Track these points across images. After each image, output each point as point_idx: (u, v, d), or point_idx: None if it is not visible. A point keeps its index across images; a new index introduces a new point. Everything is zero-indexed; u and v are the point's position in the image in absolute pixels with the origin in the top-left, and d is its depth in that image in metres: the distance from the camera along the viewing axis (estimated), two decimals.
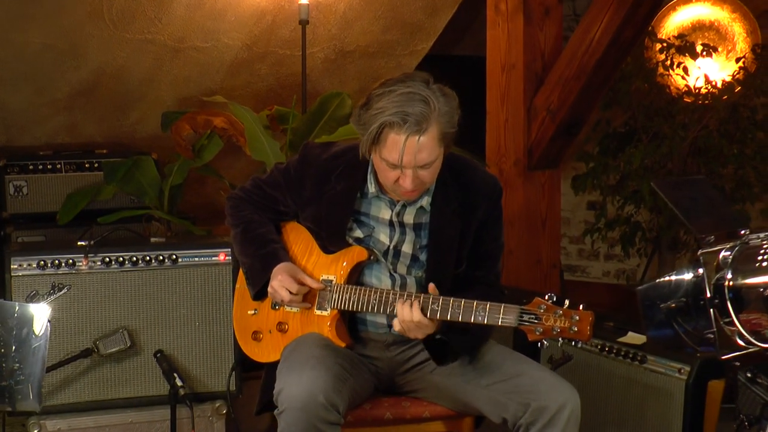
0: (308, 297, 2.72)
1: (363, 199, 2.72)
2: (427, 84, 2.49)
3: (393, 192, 2.63)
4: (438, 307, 2.50)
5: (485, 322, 2.47)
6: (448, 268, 2.70)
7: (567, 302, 2.41)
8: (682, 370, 3.17)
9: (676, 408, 3.16)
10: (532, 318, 2.41)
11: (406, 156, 2.47)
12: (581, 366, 3.38)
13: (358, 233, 2.72)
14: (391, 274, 2.72)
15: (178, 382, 3.41)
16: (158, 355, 3.48)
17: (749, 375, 2.75)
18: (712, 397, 3.15)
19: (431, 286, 2.56)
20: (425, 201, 2.68)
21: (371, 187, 2.69)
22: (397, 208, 2.69)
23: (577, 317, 2.38)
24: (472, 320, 2.48)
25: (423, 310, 2.52)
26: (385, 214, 2.70)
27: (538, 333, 2.41)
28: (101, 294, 3.47)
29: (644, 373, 3.27)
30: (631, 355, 3.32)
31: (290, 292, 2.67)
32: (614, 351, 3.36)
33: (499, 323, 2.46)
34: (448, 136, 2.51)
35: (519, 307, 2.44)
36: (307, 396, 2.43)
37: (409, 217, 2.70)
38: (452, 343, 2.63)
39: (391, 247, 2.71)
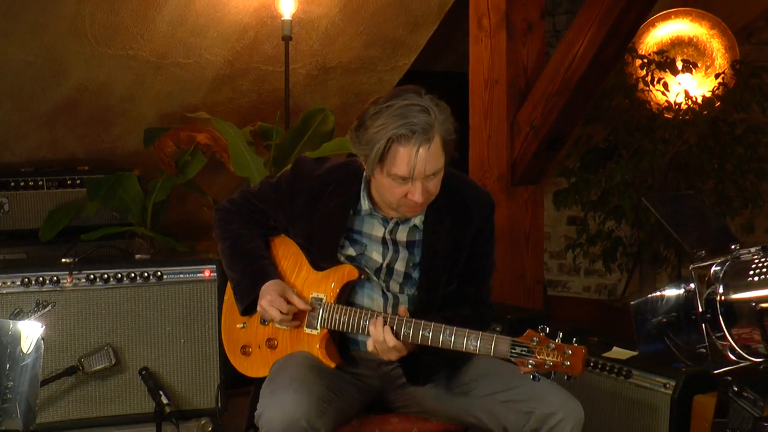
0: (298, 314, 2.71)
1: (356, 217, 2.70)
2: (420, 95, 2.49)
3: (398, 209, 2.60)
4: (429, 333, 2.50)
5: (477, 351, 2.47)
6: (440, 286, 2.69)
7: (560, 335, 2.41)
8: (668, 385, 3.18)
9: (662, 422, 3.18)
10: (524, 350, 2.41)
11: (419, 166, 2.46)
12: (566, 381, 3.39)
13: (351, 251, 2.70)
14: (384, 292, 2.70)
15: (164, 400, 3.40)
16: (143, 372, 3.46)
17: (736, 389, 2.77)
18: (698, 411, 3.16)
19: (402, 308, 2.57)
20: (418, 219, 2.67)
21: (365, 205, 2.67)
22: (390, 225, 2.67)
23: (570, 352, 2.38)
24: (463, 349, 2.47)
25: (407, 336, 2.52)
26: (378, 231, 2.69)
27: (530, 366, 2.40)
28: (86, 311, 3.45)
29: (630, 387, 3.28)
30: (616, 370, 3.34)
31: (280, 312, 2.65)
32: (599, 366, 3.37)
33: (491, 354, 2.45)
34: (448, 143, 2.51)
35: (511, 338, 2.43)
36: (288, 420, 2.41)
37: (402, 235, 2.69)
38: (427, 362, 2.63)
39: (384, 265, 2.70)
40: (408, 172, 2.46)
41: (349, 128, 2.57)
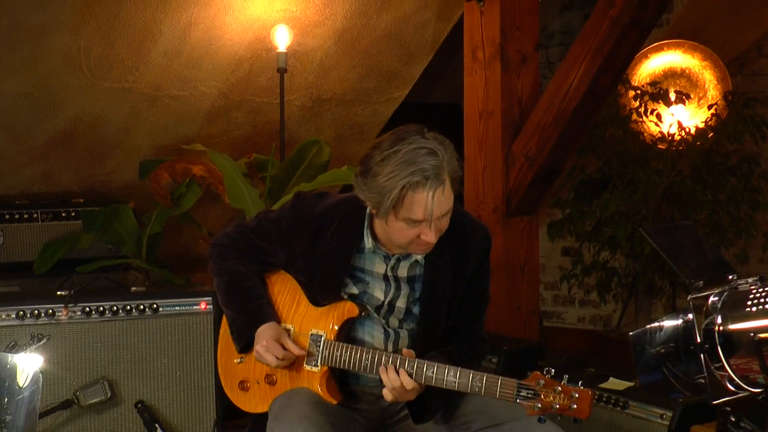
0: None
1: (359, 255, 2.67)
2: (424, 135, 2.46)
3: (407, 248, 2.58)
4: (433, 373, 2.48)
5: (482, 393, 2.46)
6: (440, 321, 2.68)
7: (566, 377, 2.40)
8: (665, 416, 3.18)
9: None
10: (531, 393, 2.40)
11: (436, 210, 2.44)
12: None
13: (354, 290, 2.68)
14: (384, 329, 2.69)
15: None
16: (139, 405, 3.45)
17: (734, 419, 2.76)
18: None
19: (405, 351, 2.55)
20: (419, 255, 2.66)
21: (368, 243, 2.65)
22: (392, 262, 2.66)
23: (577, 395, 2.36)
24: (468, 390, 2.47)
25: (411, 375, 2.50)
26: (380, 268, 2.67)
27: (537, 409, 2.39)
28: (81, 344, 3.44)
29: (627, 418, 3.27)
30: (613, 401, 3.33)
31: (276, 358, 2.64)
32: (596, 397, 3.36)
33: (497, 396, 2.44)
34: (456, 181, 2.50)
35: (517, 381, 2.42)
36: None
37: (403, 271, 2.67)
38: (431, 400, 2.61)
39: (386, 303, 2.68)
40: (425, 216, 2.44)
41: (354, 173, 2.53)
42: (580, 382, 2.39)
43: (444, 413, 2.67)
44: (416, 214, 2.45)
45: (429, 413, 2.64)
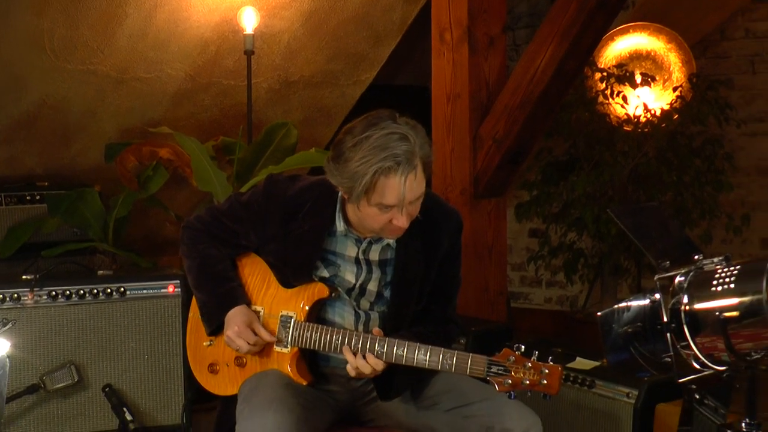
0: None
1: (330, 238, 2.68)
2: (395, 120, 2.46)
3: (380, 233, 2.59)
4: (404, 352, 2.50)
5: (453, 371, 2.48)
6: (411, 304, 2.69)
7: (536, 353, 2.43)
8: (630, 394, 3.22)
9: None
10: (501, 369, 2.42)
11: (407, 195, 2.45)
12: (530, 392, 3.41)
13: (325, 273, 2.68)
14: (355, 311, 2.70)
15: (128, 417, 3.37)
16: (107, 389, 3.44)
17: (698, 397, 2.80)
18: (660, 420, 3.20)
19: (375, 329, 2.56)
20: (391, 239, 2.66)
21: (339, 226, 2.65)
22: (363, 245, 2.66)
23: (547, 371, 2.39)
24: (438, 367, 2.48)
25: (382, 355, 2.52)
26: (352, 251, 2.68)
27: (507, 385, 2.42)
28: (47, 328, 3.42)
29: (593, 397, 3.31)
30: (580, 380, 3.36)
31: (247, 343, 2.64)
32: (563, 376, 3.39)
33: (467, 373, 2.46)
34: (428, 165, 2.51)
35: (487, 358, 2.44)
36: None
37: (374, 254, 2.68)
38: (398, 378, 2.63)
39: (357, 286, 2.69)
40: (397, 201, 2.45)
41: (326, 158, 2.53)
42: (549, 358, 2.42)
43: (413, 392, 2.69)
44: (388, 200, 2.45)
45: (396, 391, 2.65)
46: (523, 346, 2.43)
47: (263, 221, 2.70)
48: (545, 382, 2.40)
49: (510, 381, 2.41)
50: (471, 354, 2.46)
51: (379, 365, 2.52)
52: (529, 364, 2.41)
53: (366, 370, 2.53)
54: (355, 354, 2.54)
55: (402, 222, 2.50)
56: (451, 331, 2.79)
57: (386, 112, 2.49)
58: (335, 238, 2.68)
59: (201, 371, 2.80)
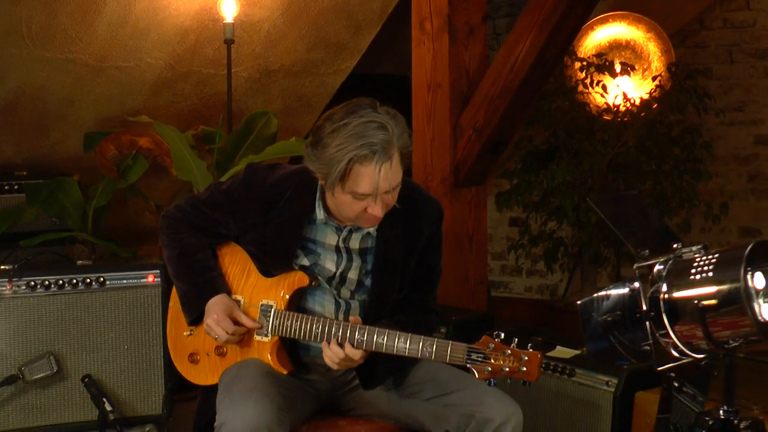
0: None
1: (311, 226, 2.68)
2: (376, 109, 2.46)
3: (356, 221, 2.59)
4: (383, 340, 2.50)
5: (432, 358, 2.48)
6: (392, 293, 2.70)
7: (516, 340, 2.43)
8: (610, 383, 3.24)
9: (605, 420, 3.24)
10: (480, 356, 2.43)
11: (381, 184, 2.44)
12: (510, 380, 3.42)
13: (305, 261, 2.68)
14: (336, 300, 2.70)
15: (108, 407, 3.36)
16: (86, 379, 3.43)
17: (677, 385, 2.82)
18: (640, 407, 3.22)
19: (353, 318, 2.56)
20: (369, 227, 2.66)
21: (319, 214, 2.65)
22: (344, 233, 2.67)
23: (526, 357, 2.40)
24: (418, 355, 2.49)
25: (362, 343, 2.52)
26: (332, 240, 2.68)
27: (486, 372, 2.42)
28: (26, 319, 3.40)
29: (573, 386, 3.33)
30: (559, 369, 3.38)
31: (227, 332, 2.63)
32: (543, 365, 3.41)
33: (447, 360, 2.47)
34: (406, 156, 2.51)
35: (467, 345, 2.45)
36: (251, 430, 2.39)
37: (355, 243, 2.68)
38: (380, 366, 2.63)
39: (338, 274, 2.69)
40: (371, 190, 2.46)
41: (305, 143, 2.53)
42: (529, 345, 2.42)
43: (395, 381, 2.70)
44: (362, 188, 2.45)
45: (378, 380, 2.66)
46: (502, 334, 2.44)
47: (243, 210, 2.69)
48: (525, 369, 2.41)
49: (490, 368, 2.42)
50: (450, 342, 2.47)
51: (357, 354, 2.52)
52: (509, 352, 2.41)
53: (339, 357, 2.52)
54: (329, 343, 2.54)
55: (377, 211, 2.51)
56: (431, 321, 2.80)
57: (367, 101, 2.49)
58: (315, 226, 2.68)
59: (181, 361, 2.80)
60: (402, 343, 2.50)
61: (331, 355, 2.53)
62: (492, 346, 2.43)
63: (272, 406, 2.44)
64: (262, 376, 2.56)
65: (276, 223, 2.66)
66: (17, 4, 4.22)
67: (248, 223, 2.70)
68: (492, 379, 2.43)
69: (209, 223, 2.77)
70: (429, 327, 2.77)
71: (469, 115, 4.34)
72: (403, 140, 2.48)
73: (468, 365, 2.45)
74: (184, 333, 2.78)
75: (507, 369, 2.41)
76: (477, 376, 2.43)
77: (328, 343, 2.54)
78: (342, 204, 2.54)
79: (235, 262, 2.77)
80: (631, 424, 3.24)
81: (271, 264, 2.69)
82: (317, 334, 2.58)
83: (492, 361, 2.42)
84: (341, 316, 2.69)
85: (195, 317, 2.72)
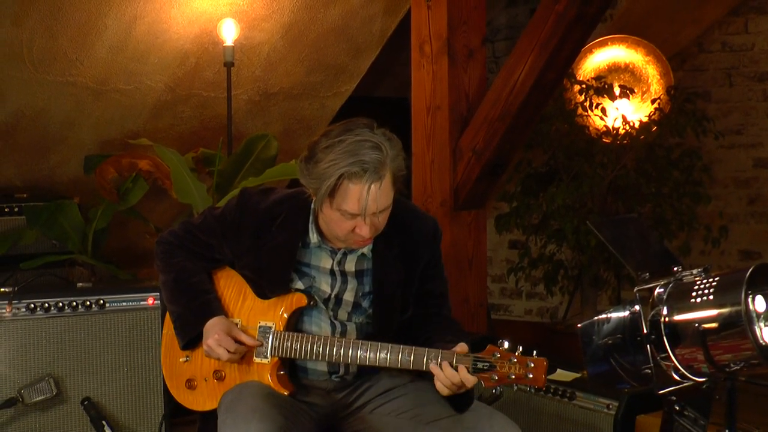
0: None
1: (304, 249, 2.67)
2: (372, 129, 2.46)
3: (345, 242, 2.58)
4: (387, 354, 2.48)
5: (441, 369, 2.46)
6: (394, 314, 2.68)
7: (520, 348, 2.42)
8: (611, 406, 3.22)
9: None
10: (486, 365, 2.42)
11: (370, 204, 2.43)
12: (511, 403, 3.42)
13: (300, 284, 2.67)
14: (331, 321, 2.68)
15: (107, 430, 3.34)
16: (86, 402, 3.41)
17: (678, 408, 2.81)
18: (641, 431, 3.20)
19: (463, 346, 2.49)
20: (366, 248, 2.65)
21: (313, 238, 2.64)
22: (338, 256, 2.66)
23: (532, 364, 2.39)
24: (423, 368, 2.47)
25: (365, 359, 2.50)
26: (326, 263, 2.67)
27: (493, 380, 2.41)
28: (26, 341, 3.39)
29: (573, 409, 3.31)
30: (560, 392, 3.36)
31: (228, 351, 2.62)
32: (544, 388, 3.40)
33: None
34: (398, 179, 2.50)
35: (473, 354, 2.44)
36: None
37: (350, 265, 2.67)
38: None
39: (333, 296, 2.67)
40: (358, 209, 2.45)
41: (299, 158, 2.54)
42: (534, 352, 2.41)
43: (397, 404, 2.68)
44: (350, 206, 2.45)
45: (468, 400, 2.58)
46: (507, 342, 2.43)
47: (237, 234, 2.69)
48: (531, 375, 2.39)
49: (496, 376, 2.40)
50: (455, 352, 2.45)
51: (470, 381, 2.42)
52: (515, 359, 2.40)
53: (451, 382, 2.44)
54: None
55: (365, 232, 2.50)
56: (457, 328, 2.75)
57: (365, 121, 2.50)
58: (309, 249, 2.67)
59: (178, 388, 2.77)
60: (406, 357, 2.48)
61: (444, 379, 2.46)
62: (498, 354, 2.41)
63: (275, 426, 2.42)
64: (264, 397, 2.54)
65: (269, 247, 2.65)
66: (19, 27, 4.24)
67: (242, 247, 2.69)
68: (498, 387, 2.42)
69: (204, 248, 2.77)
70: (460, 333, 2.72)
71: (469, 137, 4.34)
72: (397, 163, 2.48)
73: (475, 374, 2.42)
74: (180, 359, 2.75)
75: (513, 376, 2.40)
76: (484, 384, 2.42)
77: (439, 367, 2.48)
78: (330, 222, 2.53)
79: (231, 285, 2.76)
80: None
81: (267, 287, 2.68)
82: (318, 352, 2.57)
83: (498, 369, 2.40)
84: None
85: (188, 340, 2.70)
